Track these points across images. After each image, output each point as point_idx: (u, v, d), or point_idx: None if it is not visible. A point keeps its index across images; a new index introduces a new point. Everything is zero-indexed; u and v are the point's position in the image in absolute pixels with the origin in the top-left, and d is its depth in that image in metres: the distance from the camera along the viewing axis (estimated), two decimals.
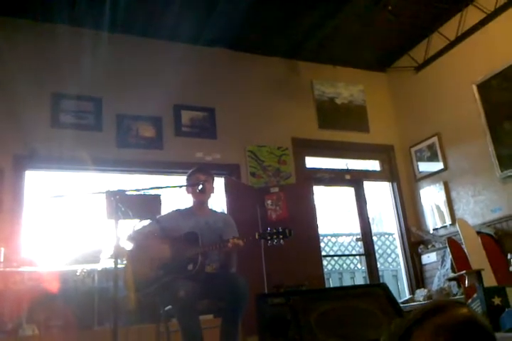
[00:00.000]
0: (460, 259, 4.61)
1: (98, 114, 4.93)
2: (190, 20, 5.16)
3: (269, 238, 2.76)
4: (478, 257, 4.52)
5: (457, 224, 4.88)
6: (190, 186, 3.16)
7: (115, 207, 2.64)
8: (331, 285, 6.54)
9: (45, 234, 4.53)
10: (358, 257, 6.95)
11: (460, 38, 5.42)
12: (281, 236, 2.74)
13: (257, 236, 2.80)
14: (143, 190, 3.07)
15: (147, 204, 4.33)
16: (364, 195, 6.05)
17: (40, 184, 4.73)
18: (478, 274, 3.75)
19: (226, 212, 4.32)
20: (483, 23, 5.16)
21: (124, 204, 2.68)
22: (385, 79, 6.58)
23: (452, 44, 5.52)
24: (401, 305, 3.18)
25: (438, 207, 5.65)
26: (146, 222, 3.19)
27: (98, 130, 4.89)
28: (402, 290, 6.34)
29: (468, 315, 1.17)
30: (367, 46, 6.01)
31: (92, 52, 5.08)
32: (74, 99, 4.86)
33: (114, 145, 4.91)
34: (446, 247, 5.07)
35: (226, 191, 4.74)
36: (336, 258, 7.09)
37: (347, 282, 6.88)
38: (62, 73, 4.88)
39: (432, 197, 5.75)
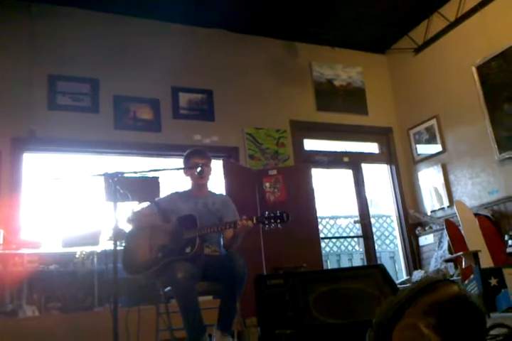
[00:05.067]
0: (457, 241, 4.64)
1: (95, 95, 4.89)
2: (188, 1, 5.10)
3: (266, 222, 2.76)
4: (475, 239, 4.55)
5: (455, 206, 4.91)
6: (189, 169, 3.15)
7: (114, 189, 2.64)
8: (329, 267, 6.59)
9: (44, 216, 4.54)
10: (356, 239, 6.99)
11: (460, 19, 5.37)
12: (278, 221, 2.74)
13: (254, 221, 2.79)
14: (141, 172, 3.06)
15: (146, 186, 4.34)
16: (362, 178, 6.06)
17: (38, 166, 4.72)
18: (475, 255, 3.78)
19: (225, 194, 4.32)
20: (483, 4, 5.10)
21: (122, 186, 2.68)
22: (384, 61, 6.54)
23: (452, 25, 5.47)
24: (398, 286, 3.21)
25: (436, 189, 5.66)
26: (145, 205, 3.19)
27: (95, 112, 4.86)
28: (399, 271, 6.40)
29: (457, 293, 1.18)
30: (366, 27, 5.95)
31: (89, 33, 5.03)
32: (71, 80, 4.83)
33: (111, 127, 4.89)
34: (443, 229, 5.10)
35: (224, 174, 4.73)
36: (334, 240, 7.13)
37: (345, 264, 6.93)
38: (58, 54, 4.84)
39: (430, 180, 5.76)
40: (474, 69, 5.16)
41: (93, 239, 4.05)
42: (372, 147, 6.33)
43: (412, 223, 5.92)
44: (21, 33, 4.77)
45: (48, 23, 4.88)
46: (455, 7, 5.37)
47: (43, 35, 4.84)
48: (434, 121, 5.73)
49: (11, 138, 4.45)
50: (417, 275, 5.25)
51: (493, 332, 1.20)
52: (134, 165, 5.15)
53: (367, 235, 5.95)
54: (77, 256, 4.10)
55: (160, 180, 4.51)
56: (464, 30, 5.38)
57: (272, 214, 2.75)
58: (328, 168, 6.14)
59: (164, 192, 4.25)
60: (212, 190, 3.34)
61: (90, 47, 5.00)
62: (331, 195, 7.02)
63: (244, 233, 2.94)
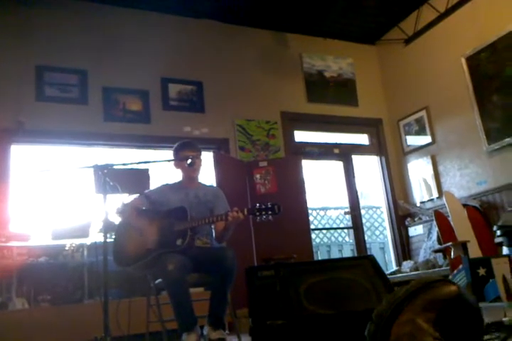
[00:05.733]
0: (446, 231, 4.68)
1: (84, 86, 4.85)
2: None
3: (257, 214, 2.75)
4: (463, 229, 4.59)
5: (444, 197, 4.94)
6: (180, 161, 3.13)
7: (103, 181, 2.62)
8: (320, 258, 6.62)
9: (33, 208, 4.51)
10: (346, 230, 7.02)
11: (450, 10, 5.37)
12: (269, 213, 2.73)
13: (245, 212, 2.79)
14: (131, 164, 3.04)
15: (135, 178, 4.32)
16: (352, 169, 6.08)
17: (26, 158, 4.67)
18: (463, 246, 3.82)
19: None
20: None
21: (112, 178, 2.66)
22: (375, 52, 6.53)
23: (442, 16, 5.47)
24: (388, 277, 3.24)
25: (425, 181, 5.69)
26: (135, 197, 3.17)
27: (84, 103, 4.82)
28: (389, 262, 6.45)
29: (455, 292, 1.20)
30: (357, 19, 5.93)
31: (77, 23, 4.98)
32: (59, 71, 4.78)
33: (100, 118, 4.85)
34: (432, 220, 5.14)
35: (215, 165, 4.73)
36: (324, 231, 7.16)
37: (335, 255, 6.97)
38: (46, 45, 4.78)
39: (419, 171, 5.79)
40: (464, 61, 5.17)
41: (83, 231, 4.03)
42: (362, 138, 6.34)
43: (402, 214, 5.95)
44: (8, 23, 4.71)
45: (35, 14, 4.81)
46: None
47: (30, 26, 4.77)
48: (423, 113, 5.75)
49: None
50: (407, 265, 5.29)
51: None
52: (124, 157, 5.13)
53: (357, 226, 5.98)
54: (66, 248, 4.08)
55: (150, 172, 4.49)
56: (453, 21, 5.38)
57: (264, 206, 2.75)
58: (318, 159, 6.14)
59: (154, 184, 4.23)
60: (203, 182, 3.33)
61: (78, 38, 4.94)
62: (322, 186, 7.04)
63: (235, 225, 2.94)
